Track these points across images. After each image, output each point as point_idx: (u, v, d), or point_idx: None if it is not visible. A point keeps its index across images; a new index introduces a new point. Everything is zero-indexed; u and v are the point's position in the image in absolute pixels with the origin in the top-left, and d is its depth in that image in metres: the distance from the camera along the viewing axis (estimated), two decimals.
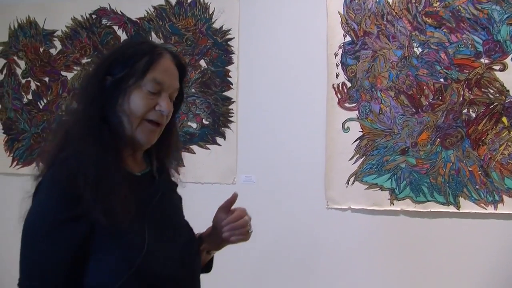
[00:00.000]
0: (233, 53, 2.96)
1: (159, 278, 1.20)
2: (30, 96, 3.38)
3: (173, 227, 1.35)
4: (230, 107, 2.96)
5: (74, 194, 1.12)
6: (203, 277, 1.45)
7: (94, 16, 3.23)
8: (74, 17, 3.26)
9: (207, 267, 1.56)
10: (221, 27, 2.98)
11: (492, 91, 2.55)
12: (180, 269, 1.27)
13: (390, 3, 2.68)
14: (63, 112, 3.09)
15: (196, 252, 1.41)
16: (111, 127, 1.24)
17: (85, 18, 3.24)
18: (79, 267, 1.15)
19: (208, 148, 2.98)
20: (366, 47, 2.72)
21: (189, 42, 3.02)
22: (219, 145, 2.97)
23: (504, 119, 2.54)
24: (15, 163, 3.41)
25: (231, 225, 1.43)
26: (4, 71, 3.45)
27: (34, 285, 1.14)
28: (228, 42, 2.97)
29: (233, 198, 1.46)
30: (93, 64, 3.00)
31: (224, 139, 2.97)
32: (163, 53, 1.30)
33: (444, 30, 2.61)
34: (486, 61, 2.56)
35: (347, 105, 2.75)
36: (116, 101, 1.24)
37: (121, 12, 3.17)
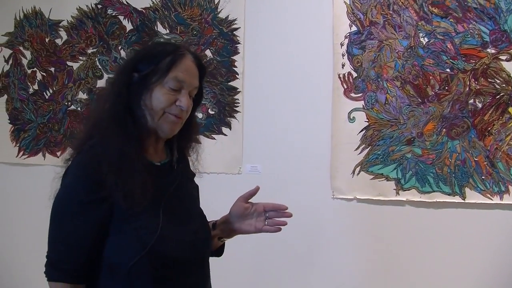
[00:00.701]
0: (239, 43, 2.96)
1: (170, 259, 1.31)
2: (36, 86, 3.40)
3: (187, 214, 1.45)
4: (236, 97, 2.96)
5: (98, 179, 1.25)
6: (212, 264, 1.51)
7: (99, 6, 3.23)
8: (79, 7, 3.27)
9: (218, 252, 1.66)
10: (227, 17, 2.97)
11: (498, 81, 2.54)
12: (190, 252, 1.38)
13: None
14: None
15: (206, 238, 1.50)
16: (135, 119, 1.36)
17: (91, 8, 3.24)
18: (99, 245, 1.29)
19: (214, 138, 2.99)
20: (372, 37, 2.71)
21: (194, 32, 3.02)
22: (225, 135, 2.98)
23: (511, 109, 2.53)
24: (21, 153, 3.43)
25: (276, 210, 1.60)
26: (10, 62, 3.46)
27: (58, 259, 1.28)
28: (234, 32, 2.97)
29: (255, 190, 1.57)
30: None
31: (230, 129, 2.97)
32: (185, 53, 1.41)
33: (450, 20, 2.60)
34: (493, 51, 2.55)
35: (353, 95, 2.74)
36: (141, 96, 1.36)
37: (127, 2, 3.17)
